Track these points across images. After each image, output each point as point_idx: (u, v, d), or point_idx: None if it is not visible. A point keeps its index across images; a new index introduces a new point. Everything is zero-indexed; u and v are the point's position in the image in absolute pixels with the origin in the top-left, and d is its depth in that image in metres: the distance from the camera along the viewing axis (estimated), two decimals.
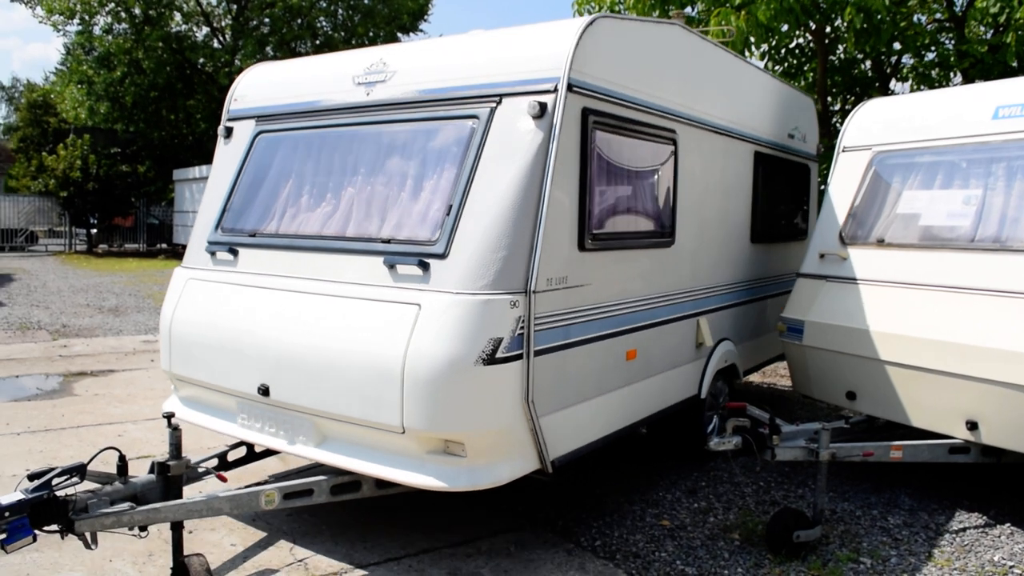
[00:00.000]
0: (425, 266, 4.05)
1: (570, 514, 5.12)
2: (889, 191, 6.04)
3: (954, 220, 5.57)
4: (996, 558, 4.73)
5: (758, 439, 4.73)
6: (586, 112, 4.31)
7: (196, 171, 26.82)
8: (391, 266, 4.17)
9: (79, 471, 3.63)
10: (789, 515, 4.65)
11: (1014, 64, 10.95)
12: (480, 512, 5.10)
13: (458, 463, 3.96)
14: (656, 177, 5.12)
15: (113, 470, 3.95)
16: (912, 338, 5.34)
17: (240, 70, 28.88)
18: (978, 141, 5.62)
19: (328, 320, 4.25)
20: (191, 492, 4.19)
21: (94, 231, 30.27)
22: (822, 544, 4.78)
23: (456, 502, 5.16)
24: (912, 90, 14.24)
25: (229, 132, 5.45)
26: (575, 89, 4.18)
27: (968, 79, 12.31)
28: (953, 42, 12.92)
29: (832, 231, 6.19)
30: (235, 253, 4.94)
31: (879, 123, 6.31)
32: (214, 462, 4.72)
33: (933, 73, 13.63)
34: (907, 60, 14.36)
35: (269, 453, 5.04)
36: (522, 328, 3.97)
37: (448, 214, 4.11)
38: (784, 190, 7.44)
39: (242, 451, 4.98)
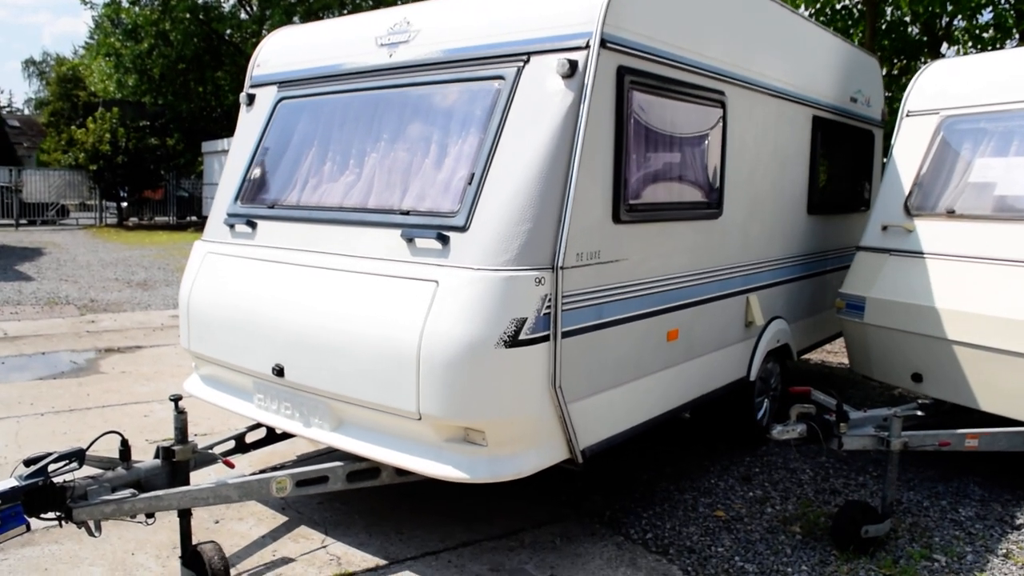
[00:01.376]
0: (445, 239, 3.75)
1: (617, 503, 4.81)
2: (959, 158, 5.60)
3: None
4: None
5: (824, 427, 4.35)
6: (622, 71, 3.93)
7: (225, 143, 26.48)
8: (409, 240, 3.88)
9: (78, 456, 3.44)
10: (856, 508, 4.31)
11: None
12: (521, 501, 4.79)
13: (478, 452, 3.67)
14: (702, 143, 4.71)
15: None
16: (988, 317, 4.94)
17: None
18: None
19: (344, 297, 3.99)
20: (203, 477, 3.99)
21: (124, 204, 29.92)
22: (891, 539, 4.44)
23: (495, 489, 4.77)
24: (964, 54, 13.63)
25: (251, 99, 5.20)
26: (609, 45, 3.80)
27: None
28: (1013, 2, 12.20)
29: (896, 201, 5.76)
30: (253, 226, 4.70)
31: (947, 86, 5.86)
32: (230, 444, 4.52)
33: (986, 36, 12.93)
34: (959, 23, 13.66)
35: (290, 435, 4.82)
36: (549, 307, 3.65)
37: (470, 183, 3.79)
38: (845, 158, 6.93)
39: (261, 433, 4.78)
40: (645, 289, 4.29)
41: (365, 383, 3.81)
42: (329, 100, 4.72)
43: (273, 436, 4.82)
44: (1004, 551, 4.40)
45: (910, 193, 5.71)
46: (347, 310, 3.93)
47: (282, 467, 4.20)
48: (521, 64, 3.89)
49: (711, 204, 4.83)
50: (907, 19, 13.82)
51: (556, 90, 3.73)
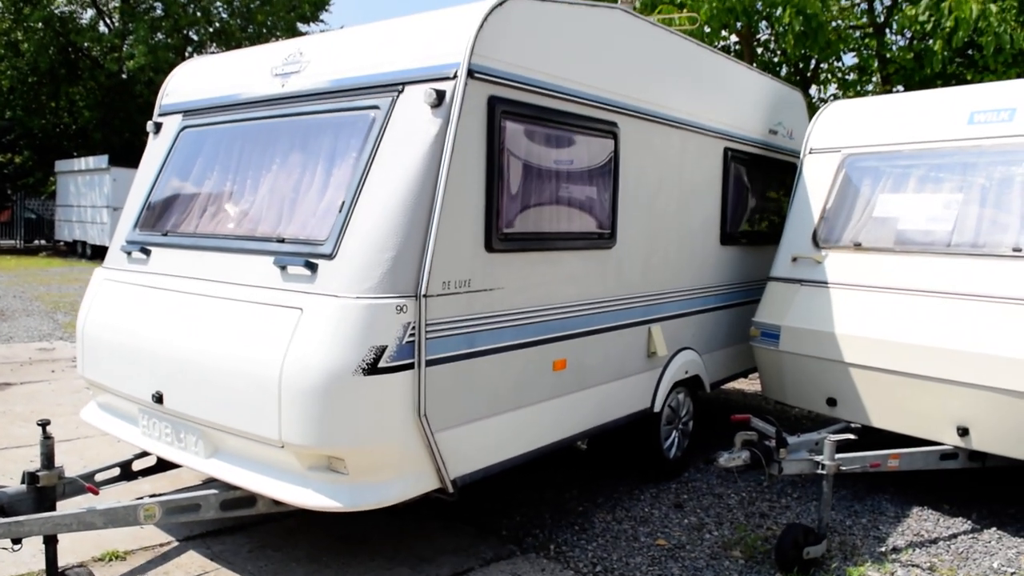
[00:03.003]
0: (313, 267, 3.77)
1: (559, 535, 4.77)
2: (863, 194, 5.85)
3: (933, 224, 5.42)
4: (995, 565, 4.60)
5: (765, 453, 4.48)
6: (494, 100, 3.98)
7: (81, 163, 25.55)
8: (282, 267, 3.90)
9: None
10: (798, 531, 4.39)
11: (939, 69, 10.75)
12: (464, 537, 4.69)
13: (340, 480, 3.67)
14: (591, 173, 4.76)
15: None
16: (895, 343, 5.16)
17: (129, 55, 27.26)
18: (954, 145, 5.47)
19: (217, 324, 4.00)
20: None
21: None
22: (826, 558, 4.51)
23: (431, 525, 4.81)
24: (827, 94, 14.92)
25: (158, 128, 5.24)
26: (478, 76, 3.86)
27: (887, 83, 12.21)
28: (875, 48, 12.86)
29: (804, 234, 5.96)
30: (148, 253, 4.72)
31: (848, 125, 6.15)
32: (115, 472, 4.51)
33: (849, 77, 13.67)
34: (823, 65, 14.45)
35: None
36: (412, 335, 3.66)
37: (340, 211, 3.83)
38: (764, 189, 7.00)
39: (151, 461, 4.75)
40: (524, 318, 4.31)
41: (234, 410, 3.81)
42: (227, 128, 4.77)
43: (163, 464, 4.80)
44: (928, 565, 4.57)
45: (817, 226, 5.89)
46: (220, 337, 3.94)
47: (155, 495, 4.17)
48: (396, 94, 3.94)
49: (603, 234, 4.87)
50: (775, 60, 14.68)
51: (424, 119, 3.78)
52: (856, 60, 13.58)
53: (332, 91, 4.25)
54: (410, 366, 3.67)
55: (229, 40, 30.07)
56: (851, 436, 4.65)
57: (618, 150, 4.90)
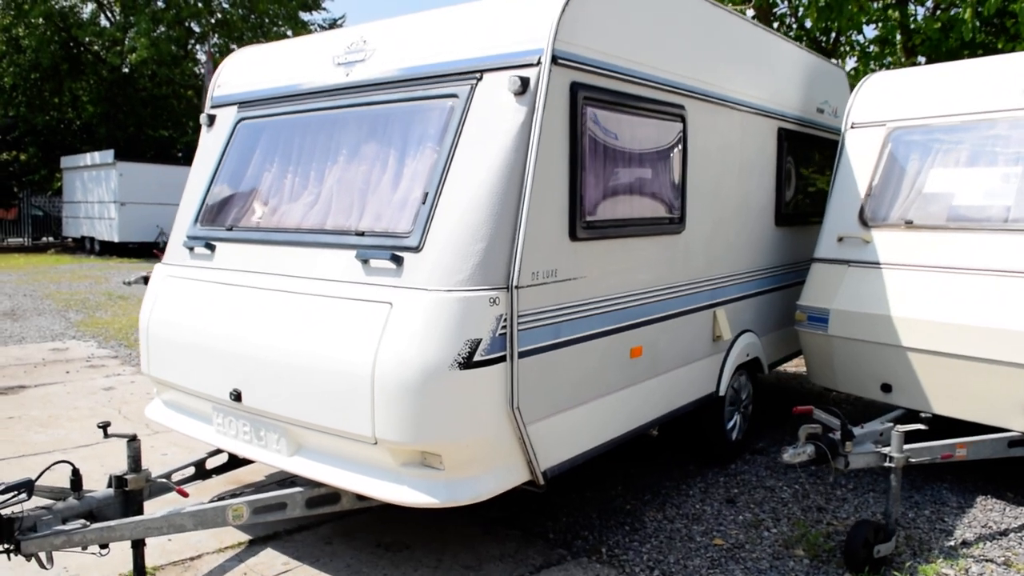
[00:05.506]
0: (399, 260, 3.70)
1: (609, 538, 4.58)
2: (912, 169, 5.65)
3: (990, 199, 5.23)
4: None
5: (831, 446, 4.26)
6: (576, 87, 3.91)
7: (87, 158, 25.34)
8: (364, 261, 3.84)
9: (26, 487, 3.36)
10: (868, 529, 4.20)
11: (968, 39, 10.57)
12: (509, 543, 4.49)
13: (436, 476, 3.62)
14: (662, 158, 4.69)
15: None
16: (961, 325, 4.97)
17: (131, 49, 27.19)
18: (1011, 115, 5.26)
19: (300, 320, 3.93)
20: (160, 506, 3.91)
21: None
22: (895, 555, 4.36)
23: (473, 531, 4.66)
24: (853, 68, 14.48)
25: (212, 120, 5.16)
26: (561, 62, 3.78)
27: (911, 55, 11.97)
28: (898, 19, 12.66)
29: (849, 213, 5.77)
30: (212, 248, 4.65)
31: (892, 97, 5.93)
32: (190, 471, 4.46)
33: (871, 50, 13.44)
34: (854, 37, 14.26)
35: (251, 461, 4.76)
36: (504, 328, 3.61)
37: (424, 202, 3.76)
38: (814, 169, 6.93)
39: (223, 458, 4.71)
40: (605, 307, 4.26)
41: (321, 407, 3.76)
42: (288, 120, 4.69)
43: (235, 462, 4.76)
44: (1003, 559, 4.40)
45: (864, 204, 5.72)
46: (303, 333, 3.88)
47: (240, 494, 4.13)
48: (475, 82, 3.86)
49: (673, 219, 4.81)
50: (791, 34, 14.45)
51: (508, 107, 3.71)
52: (877, 32, 13.38)
53: (402, 80, 4.17)
54: (502, 359, 3.62)
55: (232, 31, 29.85)
56: (922, 426, 4.46)
57: (687, 133, 4.83)
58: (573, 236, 3.98)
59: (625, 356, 4.45)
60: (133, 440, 3.76)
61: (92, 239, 25.84)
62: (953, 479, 5.50)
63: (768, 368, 6.21)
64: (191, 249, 4.78)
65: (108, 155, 24.61)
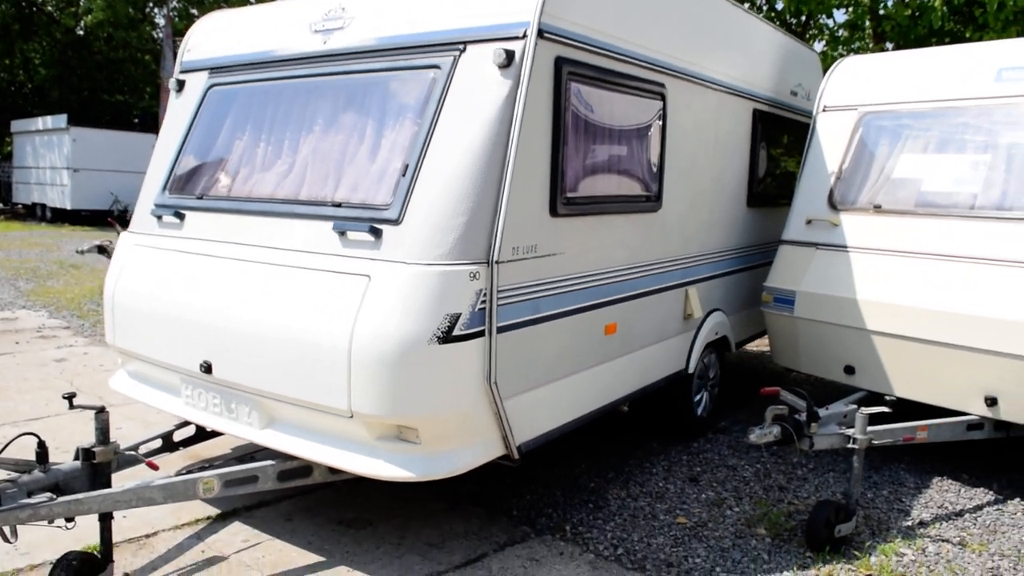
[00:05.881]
0: (377, 232, 3.65)
1: (574, 515, 4.58)
2: (882, 154, 5.68)
3: (959, 186, 5.27)
4: None
5: (796, 427, 4.29)
6: (560, 61, 3.87)
7: (39, 122, 24.76)
8: (342, 232, 3.77)
9: None
10: (830, 509, 4.25)
11: (937, 26, 10.72)
12: (473, 521, 4.46)
13: (412, 450, 3.60)
14: (642, 136, 4.68)
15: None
16: (925, 310, 5.02)
17: (87, 10, 26.42)
18: (982, 103, 5.31)
19: (274, 291, 3.86)
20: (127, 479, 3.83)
21: None
22: (855, 535, 4.42)
23: (436, 507, 4.58)
24: (821, 51, 14.63)
25: (181, 85, 5.02)
26: (547, 35, 3.74)
27: (880, 41, 12.21)
28: (868, 4, 12.85)
29: (819, 196, 5.79)
30: (181, 217, 4.54)
31: (864, 82, 5.96)
32: (157, 443, 4.38)
33: (840, 34, 13.60)
34: (823, 20, 14.37)
35: (219, 433, 4.69)
36: (484, 302, 3.58)
37: (404, 175, 3.70)
38: (786, 152, 6.98)
39: (190, 431, 4.63)
40: (582, 283, 4.25)
41: (295, 380, 3.70)
42: (262, 87, 4.58)
43: (202, 434, 4.69)
44: (958, 539, 4.48)
45: (833, 187, 5.74)
46: (277, 305, 3.81)
47: (210, 466, 4.06)
48: (457, 53, 3.80)
49: (650, 197, 4.81)
50: (761, 16, 14.60)
51: (492, 80, 3.66)
52: (847, 17, 13.50)
53: (381, 49, 4.09)
54: (480, 333, 3.59)
55: None
56: (886, 409, 4.49)
57: (666, 112, 4.83)
58: (553, 212, 3.96)
59: (600, 333, 4.45)
60: (101, 412, 3.67)
61: (43, 206, 25.12)
62: (911, 460, 5.60)
63: (735, 347, 6.27)
64: (159, 218, 4.66)
65: (61, 119, 23.90)
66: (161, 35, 26.83)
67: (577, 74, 4.00)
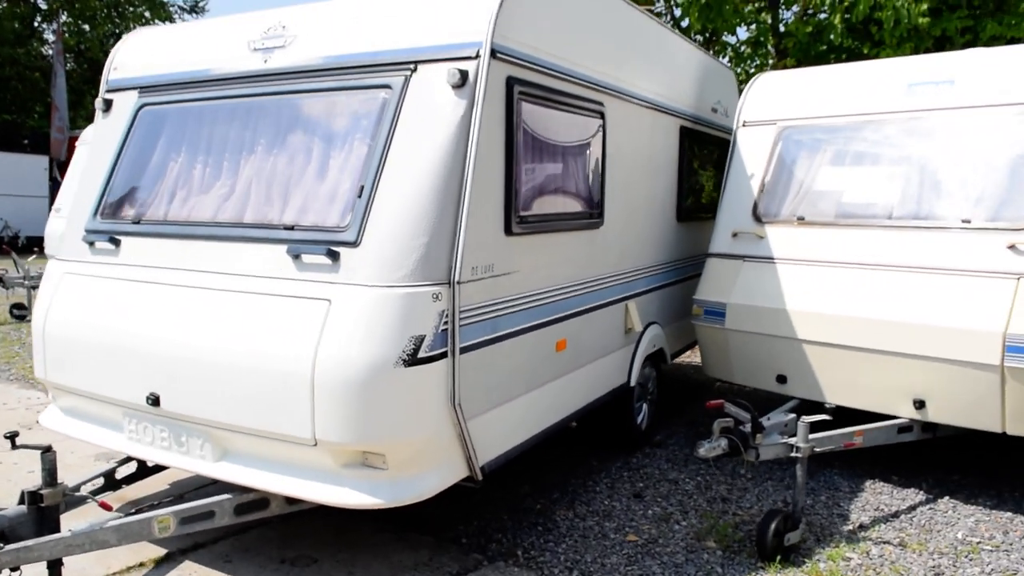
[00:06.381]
0: (335, 255, 3.59)
1: (524, 539, 4.50)
2: (803, 167, 5.83)
3: (878, 197, 5.44)
4: (960, 535, 4.69)
5: (743, 439, 4.36)
6: (511, 81, 3.91)
7: None
8: (296, 256, 3.70)
9: None
10: (778, 518, 4.29)
11: (837, 43, 11.29)
12: (422, 551, 4.34)
13: (378, 476, 3.54)
14: (584, 153, 4.76)
15: None
16: (852, 318, 5.18)
17: None
18: (892, 117, 5.53)
19: (225, 318, 3.75)
20: (70, 520, 3.64)
21: None
22: (802, 542, 4.48)
23: (383, 538, 4.49)
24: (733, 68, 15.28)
25: (108, 105, 4.83)
26: (499, 56, 3.77)
27: (783, 58, 12.90)
28: (770, 22, 13.47)
29: (743, 209, 5.92)
30: (117, 243, 4.36)
31: (782, 97, 6.14)
32: (99, 482, 4.18)
33: (743, 50, 14.24)
34: (727, 38, 14.95)
35: (162, 468, 4.51)
36: (446, 323, 3.57)
37: (360, 196, 3.66)
38: (708, 167, 7.21)
39: (132, 467, 4.44)
40: (535, 301, 4.29)
41: (252, 409, 3.60)
42: (198, 107, 4.45)
43: (144, 470, 4.50)
44: (898, 540, 4.60)
45: (757, 200, 5.87)
46: (231, 332, 3.71)
47: (158, 505, 3.91)
48: (408, 73, 3.79)
49: (593, 214, 4.90)
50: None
51: (447, 100, 3.66)
52: (749, 35, 14.04)
53: (328, 68, 4.04)
54: (444, 355, 3.58)
55: (84, 10, 27.88)
56: (827, 417, 4.62)
57: (605, 130, 4.92)
58: (508, 231, 3.98)
59: (552, 349, 4.49)
60: (48, 451, 3.49)
61: None
62: (841, 464, 5.72)
63: (670, 358, 6.41)
64: (91, 244, 4.46)
65: None
66: (51, 51, 25.65)
67: (526, 93, 4.04)
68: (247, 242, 3.90)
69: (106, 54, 32.03)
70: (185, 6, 31.45)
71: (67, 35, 24.37)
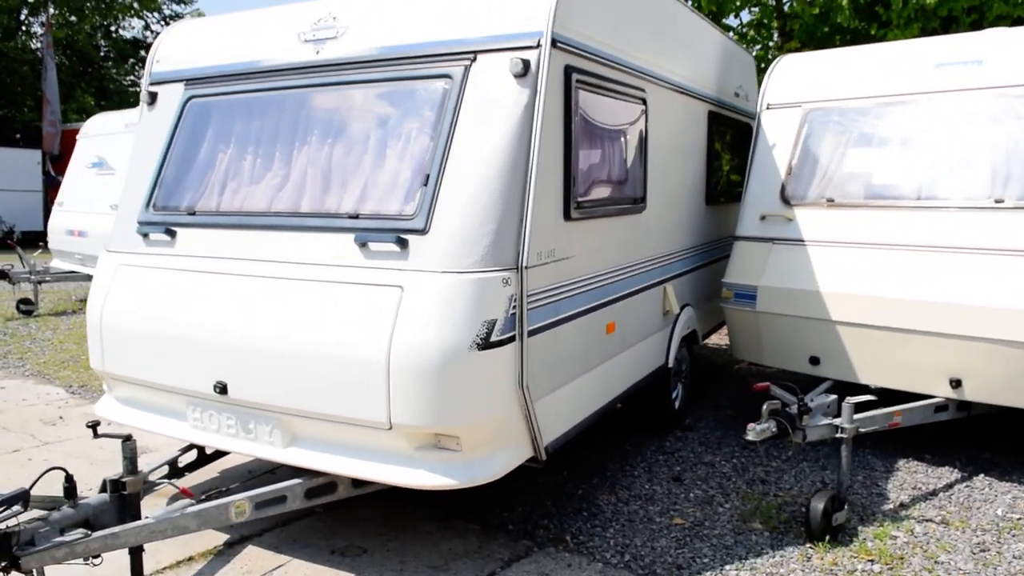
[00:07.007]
0: (403, 243, 3.66)
1: (571, 524, 4.52)
2: (830, 149, 5.86)
3: (907, 177, 5.47)
4: (1000, 512, 4.73)
5: (790, 421, 4.37)
6: (569, 70, 3.97)
7: None
8: (363, 244, 3.76)
9: (22, 499, 3.12)
10: (827, 499, 4.32)
11: (845, 24, 11.30)
12: (470, 539, 4.34)
13: (452, 458, 3.62)
14: (630, 139, 4.84)
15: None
16: (887, 299, 5.23)
17: None
18: (919, 97, 5.56)
19: (294, 307, 3.81)
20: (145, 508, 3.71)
21: None
22: (847, 522, 4.53)
23: (429, 527, 4.46)
24: None
25: (153, 98, 4.86)
26: (559, 45, 3.83)
27: (788, 40, 12.71)
28: (773, 3, 13.45)
29: (771, 192, 5.95)
30: (172, 234, 4.41)
31: (806, 79, 6.15)
32: (163, 470, 4.24)
33: (748, 33, 14.19)
34: (730, 20, 14.86)
35: (220, 454, 4.58)
36: (515, 308, 3.64)
37: (425, 184, 3.72)
38: (733, 150, 7.30)
39: (192, 455, 4.50)
40: (588, 284, 4.37)
41: (324, 395, 3.67)
42: (248, 99, 4.49)
43: (203, 457, 4.56)
44: (940, 518, 4.65)
45: (784, 183, 5.90)
46: (298, 320, 3.77)
47: (228, 491, 3.98)
48: (468, 63, 3.85)
49: (638, 199, 4.98)
50: None
51: (510, 89, 3.72)
52: (751, 16, 13.99)
53: (383, 59, 4.08)
54: (513, 338, 3.65)
55: (71, 3, 27.56)
56: (872, 397, 4.64)
57: (648, 116, 4.99)
58: (567, 216, 4.06)
59: (603, 332, 4.58)
60: (128, 440, 3.55)
61: None
62: (873, 444, 5.74)
63: (701, 339, 6.52)
64: (145, 235, 4.50)
65: None
66: (40, 44, 25.41)
67: (582, 81, 4.11)
68: (312, 231, 3.95)
69: (95, 47, 31.59)
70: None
71: (56, 28, 24.07)
